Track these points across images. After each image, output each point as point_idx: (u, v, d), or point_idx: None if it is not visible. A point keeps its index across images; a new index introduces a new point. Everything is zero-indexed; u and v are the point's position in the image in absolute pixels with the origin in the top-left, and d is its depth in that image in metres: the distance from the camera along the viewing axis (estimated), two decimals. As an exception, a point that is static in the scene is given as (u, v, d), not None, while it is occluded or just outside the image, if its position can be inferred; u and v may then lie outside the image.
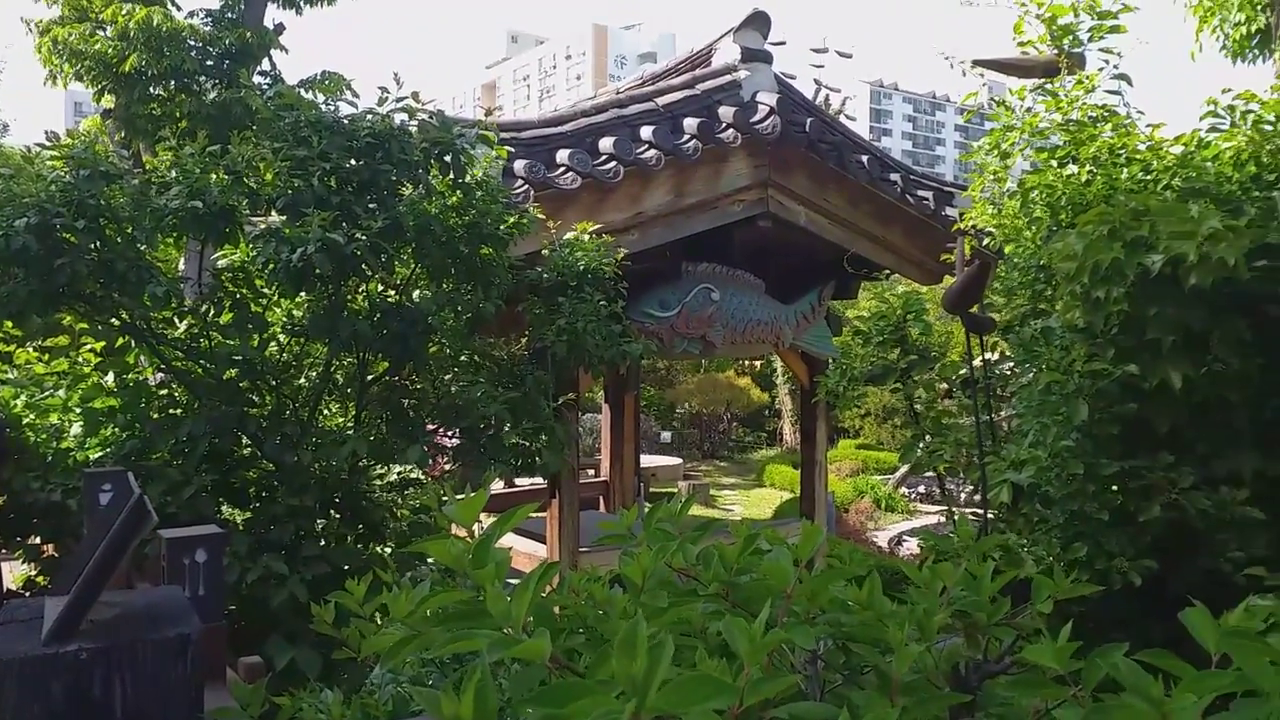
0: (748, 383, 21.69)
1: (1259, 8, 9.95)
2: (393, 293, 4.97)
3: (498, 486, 12.04)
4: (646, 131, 6.65)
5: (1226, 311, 3.13)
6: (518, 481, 11.79)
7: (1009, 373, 4.05)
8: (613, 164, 6.33)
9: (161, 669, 2.16)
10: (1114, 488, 3.09)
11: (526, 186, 5.77)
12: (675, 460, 17.88)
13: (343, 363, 5.20)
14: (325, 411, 5.49)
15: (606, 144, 6.40)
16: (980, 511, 3.91)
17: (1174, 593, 3.04)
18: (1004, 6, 4.07)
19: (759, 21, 7.47)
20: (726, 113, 7.09)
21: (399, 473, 5.43)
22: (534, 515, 9.86)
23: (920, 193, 8.48)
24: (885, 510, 16.26)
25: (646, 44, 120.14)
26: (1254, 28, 10.06)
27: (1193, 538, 3.04)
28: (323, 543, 4.73)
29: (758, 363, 21.67)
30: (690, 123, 6.89)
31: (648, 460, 15.60)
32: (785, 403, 21.81)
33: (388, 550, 4.92)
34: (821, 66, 22.73)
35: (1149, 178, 3.66)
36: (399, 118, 4.70)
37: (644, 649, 1.08)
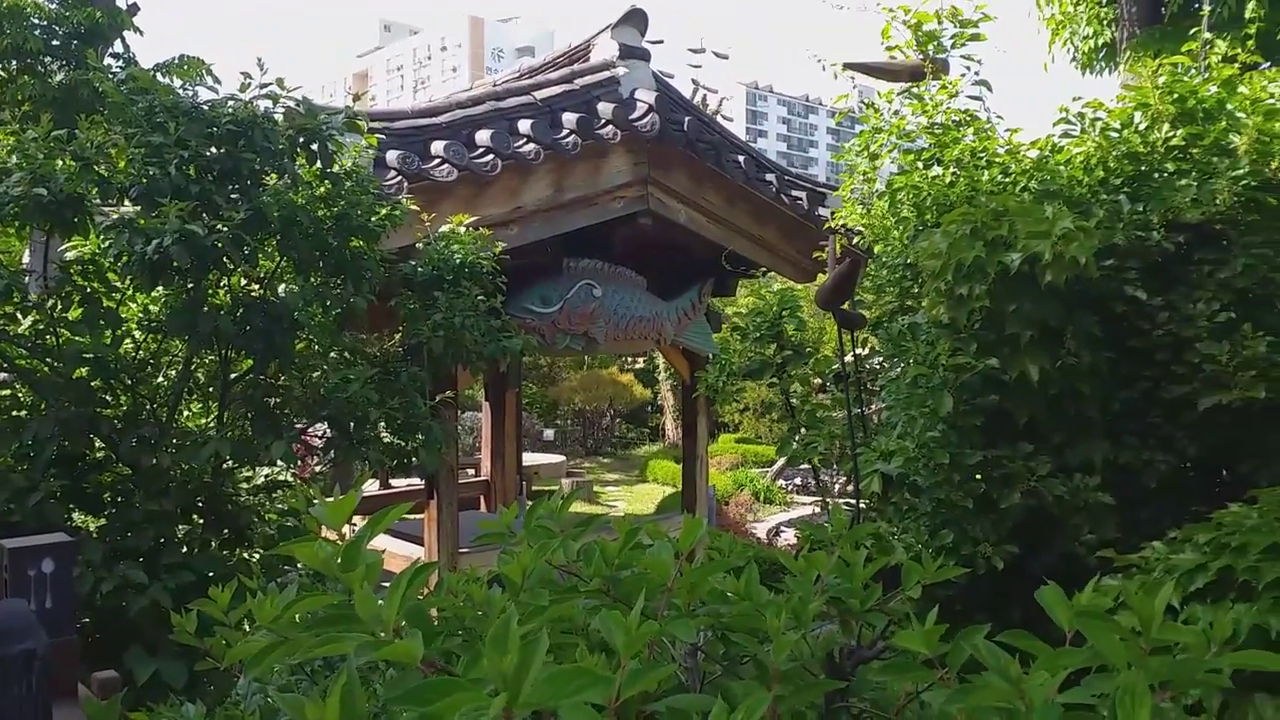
0: (630, 379, 21.80)
1: (1105, 23, 10.61)
2: (257, 287, 4.76)
3: (373, 487, 11.72)
4: (525, 125, 6.57)
5: (1079, 308, 3.31)
6: (394, 482, 11.51)
7: (879, 367, 4.18)
8: (490, 157, 6.23)
9: (4, 688, 2.00)
10: (977, 476, 3.22)
11: (400, 178, 5.61)
12: (558, 458, 17.81)
13: (204, 360, 4.94)
14: (187, 412, 5.22)
15: (484, 137, 6.29)
16: (854, 501, 4.02)
17: (1034, 575, 3.19)
18: (872, 11, 4.19)
19: (636, 19, 7.48)
20: (605, 109, 7.07)
21: (267, 475, 5.21)
22: (412, 517, 9.65)
23: (795, 193, 8.68)
24: (764, 502, 16.61)
25: (524, 38, 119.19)
26: (1101, 42, 10.71)
27: (1050, 523, 3.20)
28: (185, 549, 4.50)
29: (640, 359, 21.80)
30: (569, 118, 6.84)
31: (530, 458, 15.48)
32: (668, 399, 22.01)
33: (255, 556, 4.72)
34: (699, 66, 23.07)
35: (1008, 180, 3.83)
36: (264, 104, 4.50)
37: (516, 644, 1.05)
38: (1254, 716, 2.36)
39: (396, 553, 8.01)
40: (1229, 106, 3.49)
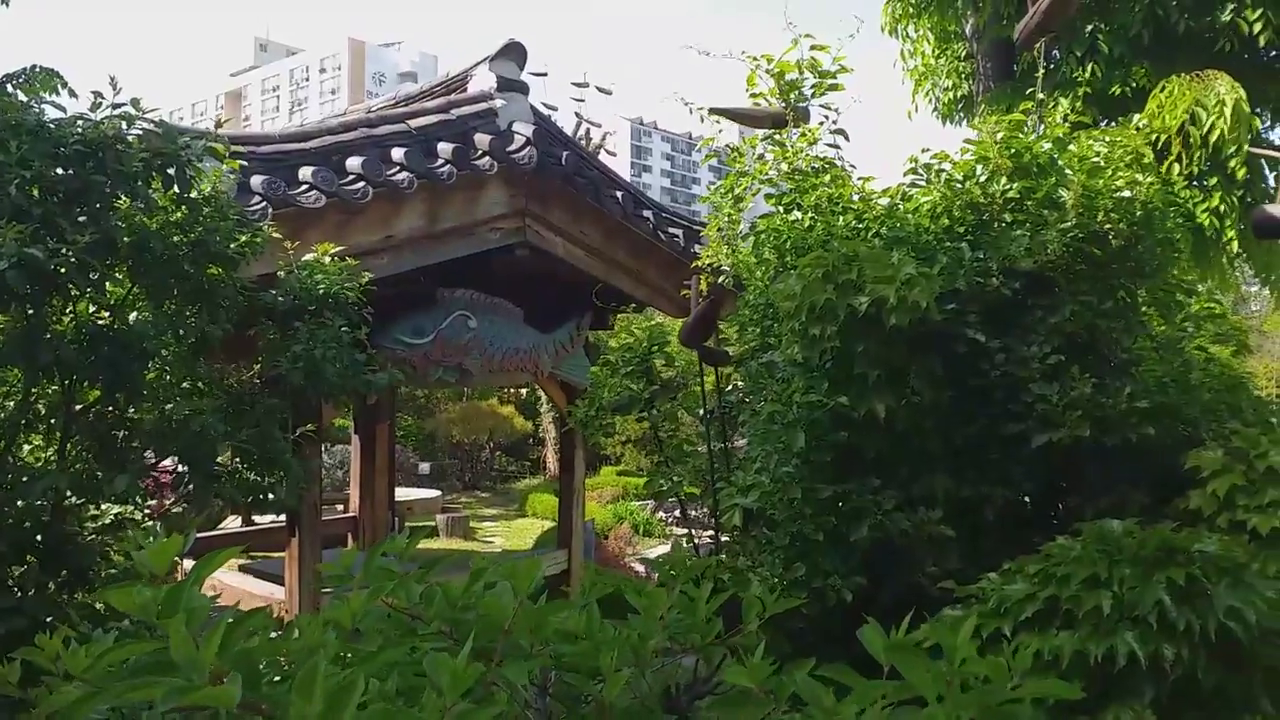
0: (511, 411, 21.61)
1: (964, 76, 11.24)
2: (106, 314, 4.53)
3: (236, 524, 11.23)
4: (398, 153, 6.50)
5: (923, 349, 3.48)
6: (258, 518, 11.06)
7: (742, 403, 4.28)
8: (361, 184, 6.13)
9: None
10: (828, 510, 3.33)
11: (264, 203, 5.46)
12: (433, 492, 17.45)
13: (45, 391, 4.66)
14: (27, 445, 4.90)
15: (355, 163, 6.19)
16: (717, 534, 4.09)
17: (882, 606, 3.32)
18: (737, 60, 4.33)
19: (515, 52, 7.53)
20: (482, 140, 7.07)
21: (116, 513, 4.93)
22: (274, 555, 9.28)
23: (672, 230, 8.85)
24: (644, 535, 16.67)
25: (407, 63, 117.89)
26: (959, 94, 11.33)
27: (896, 555, 3.33)
28: (19, 592, 4.20)
29: (522, 390, 21.65)
30: (445, 147, 6.81)
31: (403, 493, 15.11)
32: (549, 431, 21.90)
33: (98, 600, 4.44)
34: (583, 101, 23.29)
35: (861, 225, 4.01)
36: (121, 125, 4.30)
37: (321, 690, 1.03)
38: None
39: (255, 593, 7.69)
40: (1059, 163, 3.76)
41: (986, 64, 10.52)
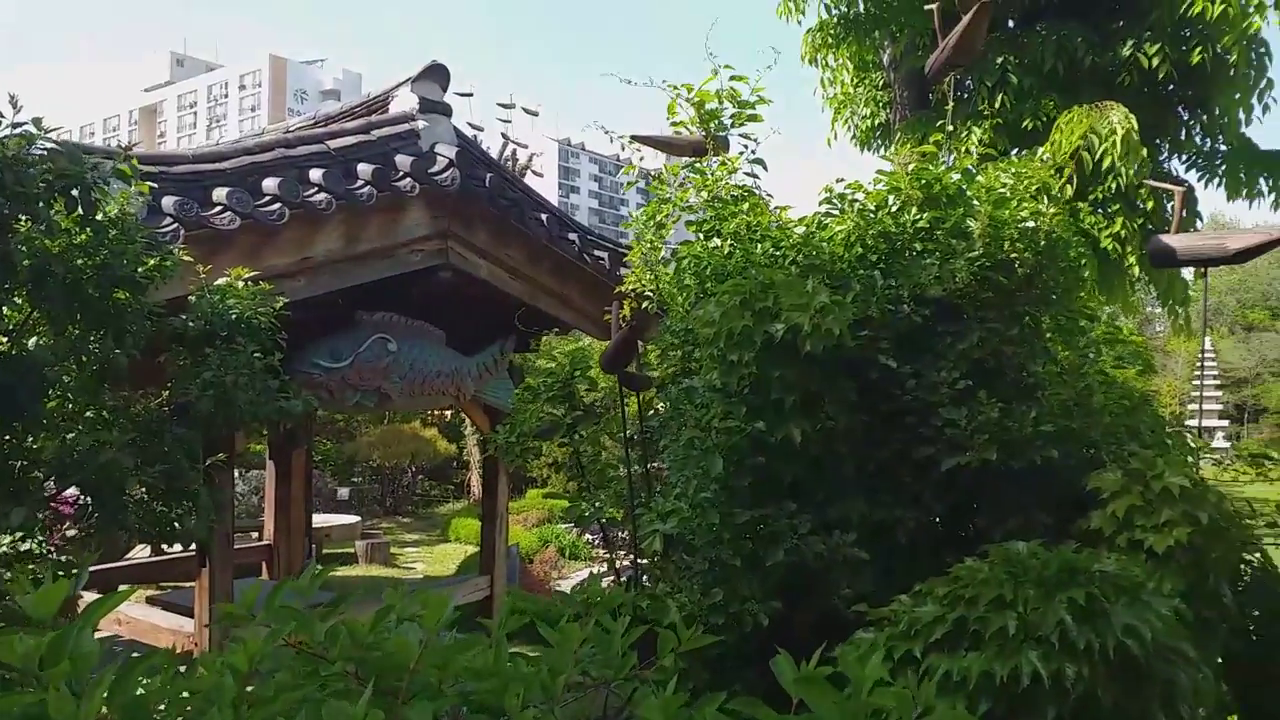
0: (434, 434, 21.30)
1: (881, 105, 11.54)
2: (3, 339, 4.34)
3: (145, 553, 10.82)
4: (316, 174, 6.39)
5: (837, 374, 3.54)
6: (167, 548, 10.68)
7: (664, 427, 4.30)
8: (277, 205, 6.00)
9: None
10: (746, 535, 3.36)
11: (176, 225, 5.31)
12: (352, 518, 17.08)
13: (-64, 419, 4.44)
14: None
15: (271, 184, 6.06)
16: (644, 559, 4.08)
17: (798, 630, 3.35)
18: (659, 88, 4.38)
19: (438, 74, 7.48)
20: (404, 161, 7.00)
21: (9, 544, 4.70)
22: (185, 585, 8.96)
23: (597, 253, 8.87)
24: (570, 559, 16.54)
25: (330, 80, 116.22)
26: (877, 122, 11.63)
27: (812, 578, 3.37)
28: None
29: (446, 412, 21.37)
30: (365, 168, 6.72)
31: (321, 520, 14.77)
32: (474, 454, 21.63)
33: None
34: (509, 121, 23.25)
35: (779, 253, 4.08)
36: (21, 144, 4.15)
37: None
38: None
39: (163, 626, 7.41)
40: (968, 194, 3.89)
41: (903, 93, 10.84)
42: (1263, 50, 9.07)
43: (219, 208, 5.72)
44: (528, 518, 18.31)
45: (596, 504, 4.26)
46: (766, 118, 4.45)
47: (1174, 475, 3.31)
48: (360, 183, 6.65)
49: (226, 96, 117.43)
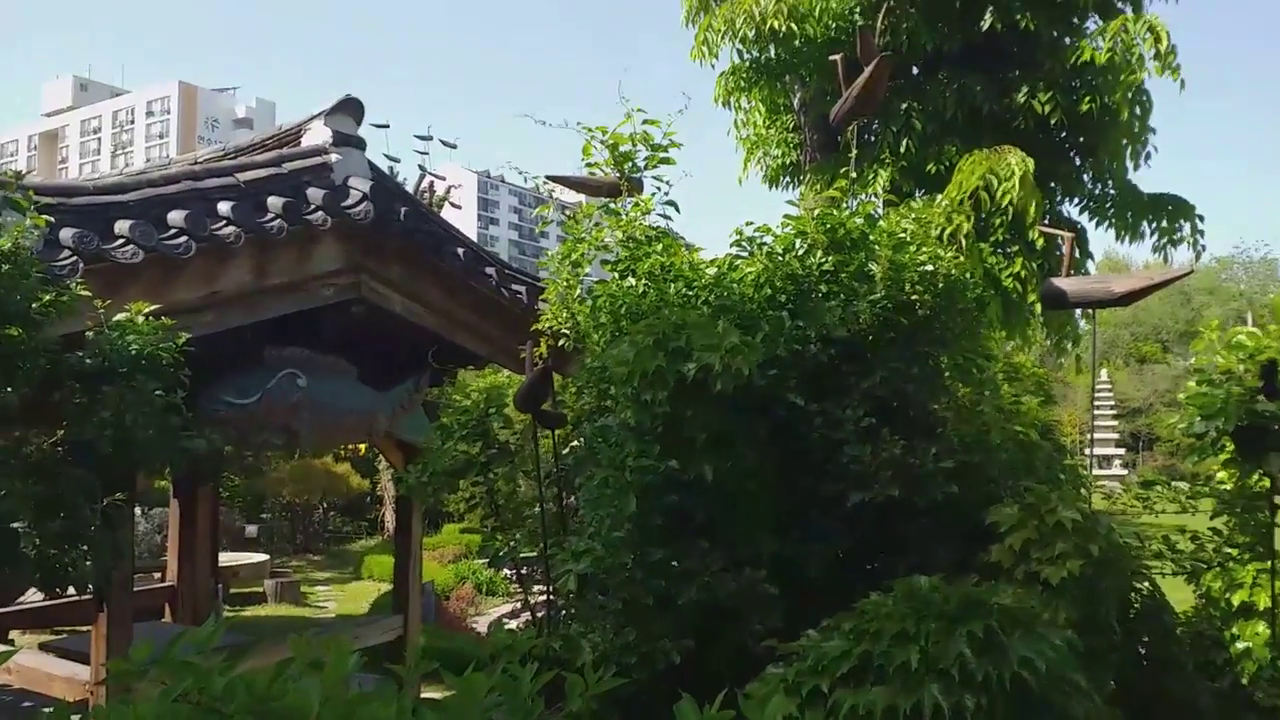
0: (347, 469, 20.83)
1: (792, 146, 11.85)
2: (-117, 378, 4.13)
3: (38, 597, 10.28)
4: (225, 207, 6.26)
5: (748, 413, 3.62)
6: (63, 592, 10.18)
7: (579, 466, 4.31)
8: (183, 239, 5.85)
9: None
10: (659, 574, 3.38)
11: (75, 259, 5.13)
12: (261, 557, 16.56)
13: None
14: None
15: (177, 217, 5.91)
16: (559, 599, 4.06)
17: (710, 667, 3.38)
18: (573, 129, 4.44)
19: (351, 107, 7.42)
20: (316, 194, 6.90)
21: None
22: (83, 629, 8.55)
23: (515, 286, 8.84)
24: (487, 595, 16.32)
25: (243, 109, 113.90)
26: (788, 162, 11.94)
27: (724, 616, 3.41)
28: None
29: (362, 446, 20.93)
30: (275, 201, 6.60)
31: (228, 558, 14.28)
32: (388, 489, 21.19)
33: None
34: (426, 153, 23.11)
35: (692, 293, 4.15)
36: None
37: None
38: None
39: (57, 674, 7.05)
40: (870, 238, 4.03)
41: (813, 136, 11.16)
42: (1145, 100, 9.64)
43: (121, 240, 5.55)
44: (444, 553, 18.03)
45: (510, 542, 4.24)
46: (679, 159, 4.55)
47: (1067, 509, 3.46)
48: (270, 216, 6.53)
49: (133, 123, 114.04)
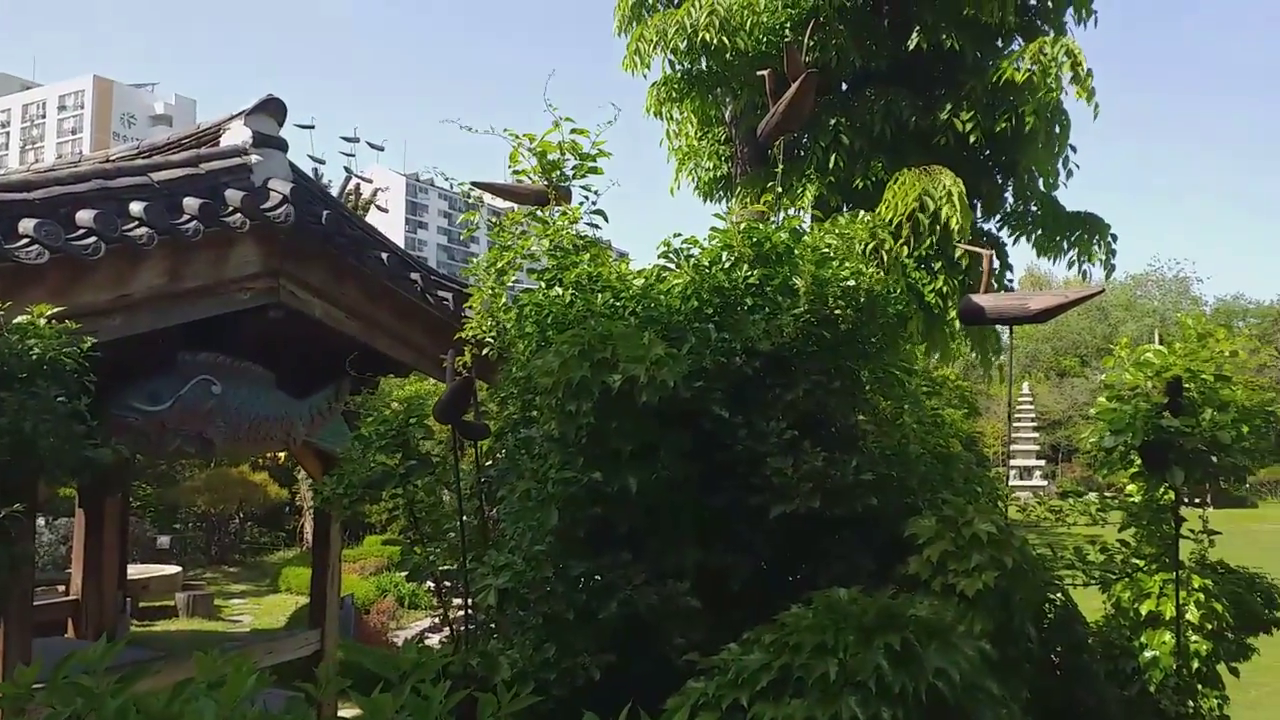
0: (264, 478, 20.27)
1: (723, 159, 11.95)
2: None
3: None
4: (137, 207, 6.03)
5: (673, 425, 3.60)
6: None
7: (501, 478, 4.24)
8: (93, 239, 5.62)
9: None
10: (580, 588, 3.34)
11: (-28, 259, 4.89)
12: (173, 569, 15.97)
13: None
14: None
15: (86, 217, 5.67)
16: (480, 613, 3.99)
17: (631, 682, 3.35)
18: (499, 136, 4.39)
19: (272, 107, 7.23)
20: (234, 196, 6.70)
21: None
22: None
23: (441, 293, 8.72)
24: (408, 608, 16.03)
25: (161, 106, 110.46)
26: (719, 174, 12.03)
27: (645, 629, 3.38)
28: None
29: (281, 455, 20.40)
30: (191, 202, 6.39)
31: (137, 570, 13.76)
32: (307, 498, 20.67)
33: None
34: (353, 155, 22.73)
35: (619, 304, 4.13)
36: None
37: None
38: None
39: (-54, 695, 6.69)
40: (795, 252, 4.06)
41: (743, 149, 11.26)
42: (1064, 119, 9.96)
43: (25, 240, 5.31)
44: (365, 565, 17.66)
45: (430, 556, 4.16)
46: (609, 169, 4.53)
47: (983, 522, 3.52)
48: (186, 217, 6.32)
49: (44, 117, 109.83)
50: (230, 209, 6.65)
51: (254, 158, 7.06)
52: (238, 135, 7.28)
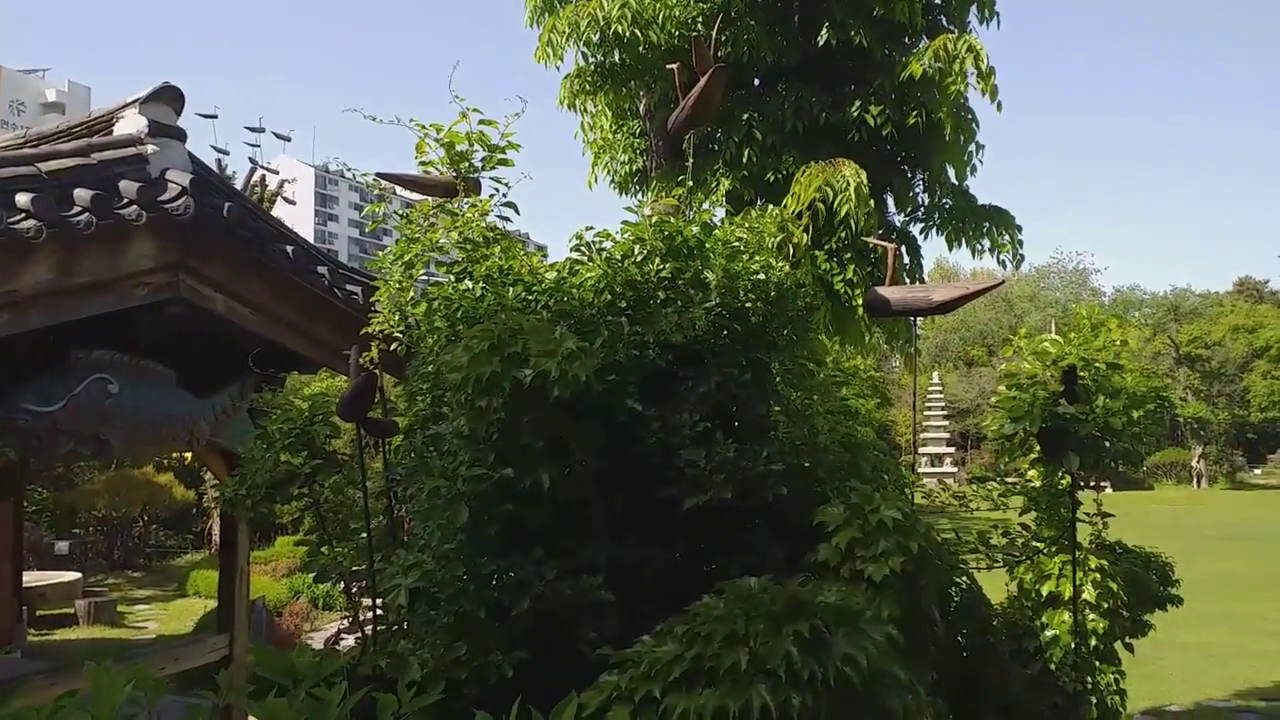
0: (170, 479, 19.59)
1: (639, 152, 11.94)
2: None
3: None
4: (24, 199, 5.73)
5: (585, 419, 3.59)
6: None
7: (411, 476, 4.17)
8: (-27, 234, 5.34)
9: None
10: (492, 585, 3.30)
11: None
12: (72, 575, 15.35)
13: None
14: None
15: (-34, 210, 5.39)
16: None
17: (545, 679, 3.32)
18: (405, 127, 4.30)
19: (169, 95, 6.95)
20: (129, 187, 6.43)
21: None
22: None
23: (350, 287, 8.51)
24: (323, 609, 15.69)
25: (54, 93, 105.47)
26: (635, 168, 12.01)
27: (558, 625, 3.36)
28: None
29: (188, 455, 19.71)
30: (83, 194, 6.11)
31: (34, 578, 13.17)
32: (214, 500, 20.07)
33: None
34: (258, 146, 22.04)
35: (531, 298, 4.08)
36: None
37: None
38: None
39: None
40: (706, 246, 4.07)
41: (658, 142, 11.26)
42: (970, 115, 10.22)
43: (-103, 233, 5.01)
44: (277, 567, 17.23)
45: (337, 557, 4.06)
46: (522, 161, 4.48)
47: (889, 508, 3.59)
48: (77, 209, 6.04)
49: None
50: (125, 201, 6.38)
51: (150, 147, 6.78)
52: (132, 124, 6.98)
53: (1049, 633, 4.87)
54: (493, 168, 4.45)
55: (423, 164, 4.43)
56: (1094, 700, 4.84)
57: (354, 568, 4.11)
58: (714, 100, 4.19)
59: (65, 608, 14.39)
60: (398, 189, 5.43)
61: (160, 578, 18.58)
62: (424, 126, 4.35)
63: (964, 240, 11.04)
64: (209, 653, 8.07)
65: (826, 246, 9.28)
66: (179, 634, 13.02)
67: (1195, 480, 54.57)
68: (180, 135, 7.02)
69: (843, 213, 8.96)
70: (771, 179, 10.03)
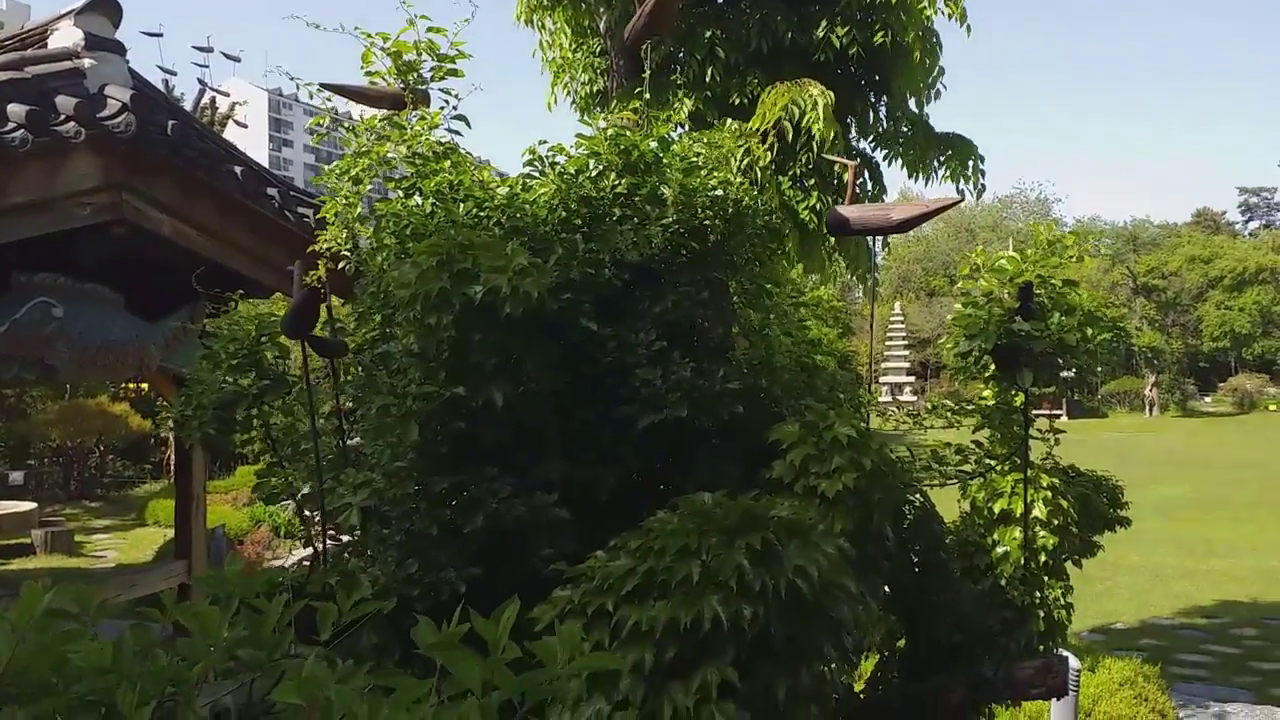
0: (125, 409, 19.30)
1: (599, 72, 11.66)
2: None
3: None
4: (-47, 115, 5.49)
5: (539, 337, 3.53)
6: None
7: (358, 397, 4.09)
8: (-101, 149, 5.10)
9: None
10: (444, 503, 3.27)
11: None
12: (28, 505, 15.18)
13: None
14: None
15: (-109, 124, 5.14)
16: (337, 536, 3.88)
17: (497, 595, 3.32)
18: (349, 34, 4.12)
19: (106, 6, 6.65)
20: (67, 103, 6.17)
21: None
22: None
23: (301, 209, 8.31)
24: (285, 538, 15.69)
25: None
26: (595, 89, 11.74)
27: (512, 542, 3.35)
28: None
29: (144, 384, 19.41)
30: (17, 109, 5.85)
31: (-13, 508, 13.02)
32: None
33: None
34: (206, 66, 21.28)
35: (483, 214, 3.98)
36: None
37: None
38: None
39: None
40: (664, 161, 3.98)
41: (619, 61, 10.98)
42: (935, 40, 10.08)
43: None
44: (238, 496, 17.16)
45: (287, 478, 4.00)
46: (469, 71, 4.32)
47: (843, 426, 3.59)
48: (12, 125, 5.79)
49: None
50: (62, 117, 6.13)
51: (87, 61, 6.51)
52: (68, 37, 6.67)
53: (1000, 549, 4.95)
54: (442, 78, 4.29)
55: (369, 75, 4.26)
56: (1041, 614, 4.96)
57: (304, 491, 4.05)
58: (671, 8, 4.06)
59: (21, 538, 14.26)
60: (352, 107, 5.25)
61: (119, 507, 18.44)
62: (370, 35, 4.17)
63: (924, 168, 10.99)
64: (166, 579, 8.05)
65: (790, 172, 9.18)
66: (138, 562, 12.97)
67: (1148, 408, 55.92)
68: (119, 49, 6.73)
69: (812, 129, 8.84)
70: (736, 101, 9.86)
